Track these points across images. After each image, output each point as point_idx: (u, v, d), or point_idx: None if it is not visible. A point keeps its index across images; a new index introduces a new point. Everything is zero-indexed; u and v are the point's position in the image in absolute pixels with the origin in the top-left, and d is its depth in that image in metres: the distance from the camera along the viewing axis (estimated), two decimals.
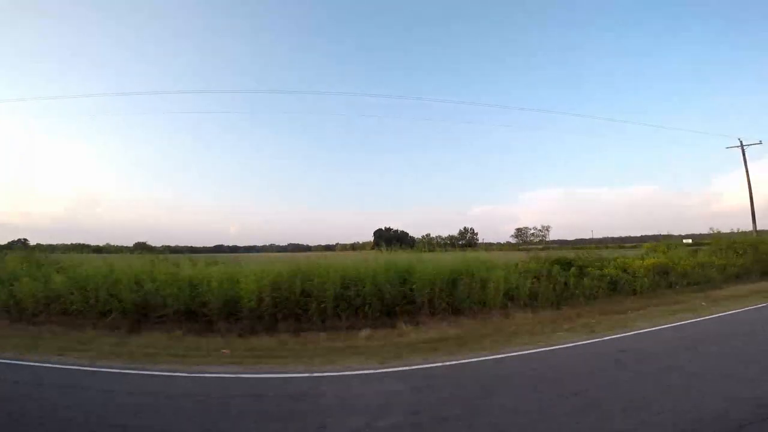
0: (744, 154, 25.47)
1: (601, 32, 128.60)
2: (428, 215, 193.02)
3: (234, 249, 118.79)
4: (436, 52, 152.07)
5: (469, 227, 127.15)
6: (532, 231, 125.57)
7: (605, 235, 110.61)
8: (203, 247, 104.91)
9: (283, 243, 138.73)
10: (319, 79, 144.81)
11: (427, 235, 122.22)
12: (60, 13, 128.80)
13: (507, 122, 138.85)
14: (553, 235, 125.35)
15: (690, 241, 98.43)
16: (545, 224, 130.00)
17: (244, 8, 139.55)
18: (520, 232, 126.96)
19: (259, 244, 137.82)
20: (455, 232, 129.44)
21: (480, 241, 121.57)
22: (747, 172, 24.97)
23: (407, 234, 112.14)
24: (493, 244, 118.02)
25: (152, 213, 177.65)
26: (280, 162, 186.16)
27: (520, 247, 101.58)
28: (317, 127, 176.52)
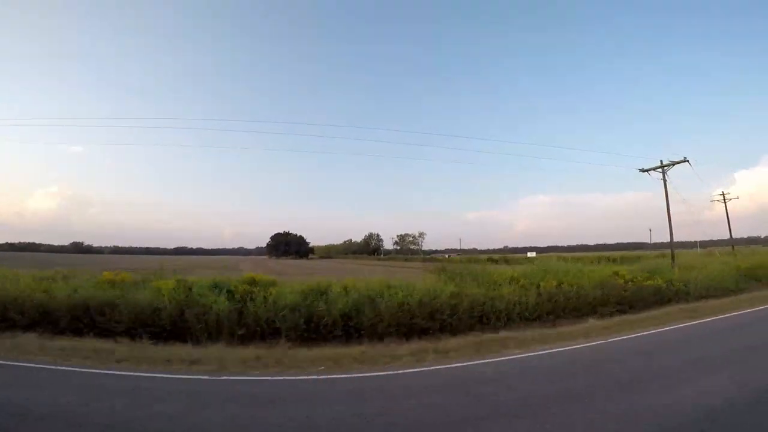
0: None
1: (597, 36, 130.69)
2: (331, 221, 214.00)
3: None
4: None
5: (375, 233, 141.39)
6: (410, 238, 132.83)
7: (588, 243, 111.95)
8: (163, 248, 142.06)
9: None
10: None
11: (349, 240, 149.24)
12: (51, 15, 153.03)
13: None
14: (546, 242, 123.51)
15: (534, 254, 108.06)
16: (421, 231, 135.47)
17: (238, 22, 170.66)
18: (402, 239, 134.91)
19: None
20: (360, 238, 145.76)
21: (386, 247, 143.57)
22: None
23: (304, 239, 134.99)
24: (391, 251, 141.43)
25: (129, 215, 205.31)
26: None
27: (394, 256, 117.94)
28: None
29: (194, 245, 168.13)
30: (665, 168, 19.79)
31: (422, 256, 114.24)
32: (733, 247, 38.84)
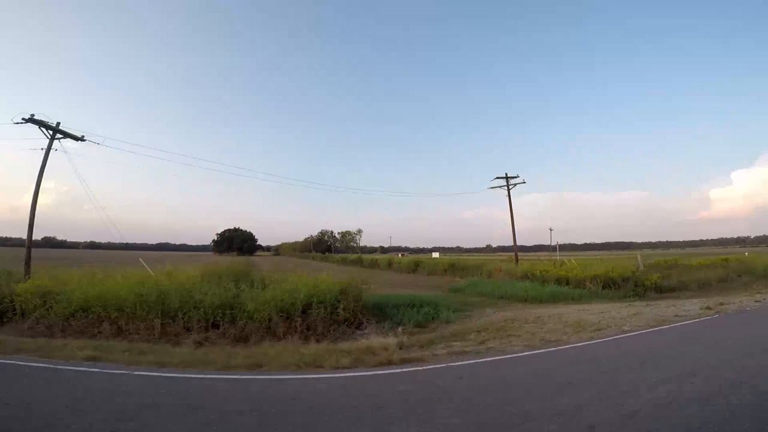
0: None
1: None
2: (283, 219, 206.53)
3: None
4: None
5: (328, 230, 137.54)
6: (349, 236, 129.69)
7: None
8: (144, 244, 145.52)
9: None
10: None
11: (309, 237, 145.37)
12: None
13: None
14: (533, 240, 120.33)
15: (438, 255, 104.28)
16: (359, 228, 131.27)
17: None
18: (343, 236, 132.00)
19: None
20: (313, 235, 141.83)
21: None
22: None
23: (252, 235, 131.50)
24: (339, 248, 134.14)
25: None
26: None
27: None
28: None
29: (178, 241, 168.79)
30: None
31: (359, 254, 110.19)
32: (516, 255, 28.65)
